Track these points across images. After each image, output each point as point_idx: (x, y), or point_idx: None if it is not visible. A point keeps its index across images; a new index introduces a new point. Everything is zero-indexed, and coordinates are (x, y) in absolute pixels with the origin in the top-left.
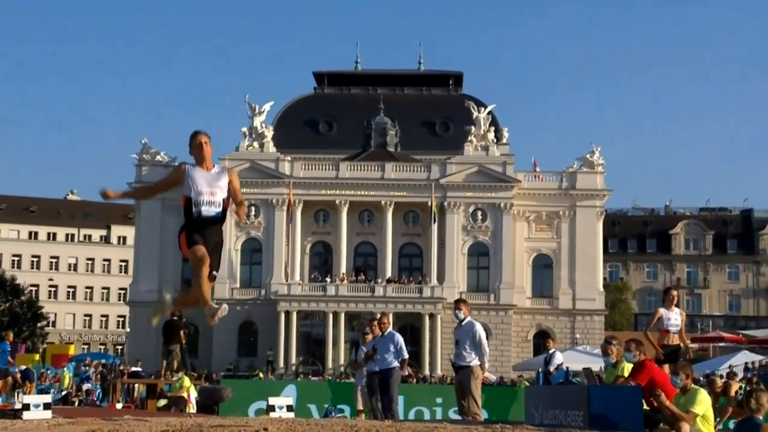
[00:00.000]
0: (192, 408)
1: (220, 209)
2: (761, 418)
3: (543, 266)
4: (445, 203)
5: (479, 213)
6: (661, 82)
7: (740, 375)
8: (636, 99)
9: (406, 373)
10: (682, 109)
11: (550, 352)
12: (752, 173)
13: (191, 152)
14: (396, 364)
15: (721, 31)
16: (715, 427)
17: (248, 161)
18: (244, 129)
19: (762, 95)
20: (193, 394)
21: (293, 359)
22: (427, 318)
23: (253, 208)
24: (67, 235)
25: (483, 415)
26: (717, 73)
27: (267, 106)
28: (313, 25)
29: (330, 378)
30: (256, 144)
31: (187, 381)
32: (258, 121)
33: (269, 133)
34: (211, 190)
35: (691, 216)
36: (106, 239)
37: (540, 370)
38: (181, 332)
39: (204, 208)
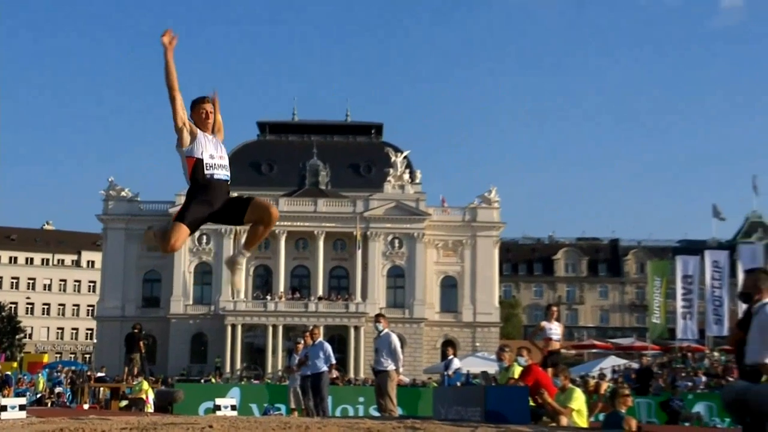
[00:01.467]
0: (150, 408)
1: (228, 173)
2: (624, 411)
3: (449, 286)
4: (368, 233)
5: (396, 241)
6: (546, 133)
7: (609, 376)
8: (527, 147)
9: (334, 376)
10: (563, 155)
11: (449, 358)
12: (619, 210)
13: (192, 116)
14: (325, 368)
15: (594, 87)
16: (587, 419)
17: None
18: None
19: (626, 144)
20: (151, 396)
21: (238, 365)
22: (352, 330)
23: (204, 237)
24: (42, 259)
25: (398, 411)
26: (590, 126)
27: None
28: (257, 82)
29: (269, 381)
30: None
31: (145, 384)
32: None
33: None
34: (220, 154)
35: (569, 244)
36: (76, 263)
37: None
38: (141, 343)
39: (217, 171)
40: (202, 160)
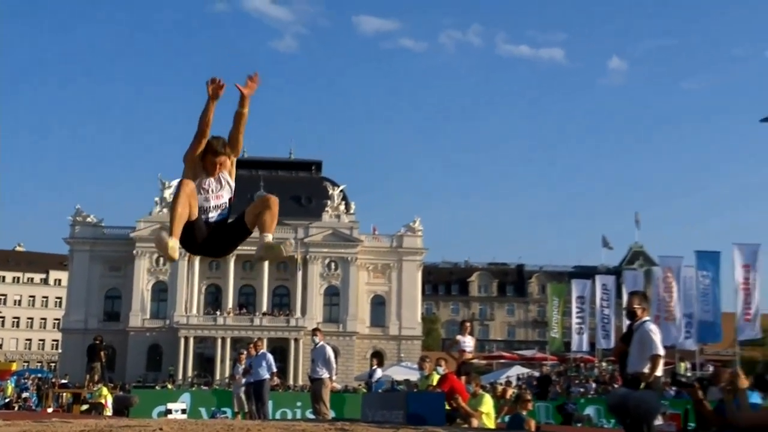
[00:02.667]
0: (108, 411)
1: (226, 211)
2: (525, 413)
3: (378, 303)
4: (308, 256)
5: (332, 264)
6: (463, 171)
7: (514, 383)
8: (447, 183)
9: (275, 383)
10: (477, 191)
11: (373, 368)
12: (524, 239)
13: (203, 155)
14: (267, 376)
15: (501, 134)
16: (495, 421)
17: (158, 223)
18: (156, 198)
19: (531, 182)
20: (110, 401)
21: (189, 373)
22: (292, 342)
23: (161, 260)
24: (13, 277)
25: (331, 414)
26: (499, 166)
27: (174, 182)
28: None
29: (217, 387)
30: (165, 210)
31: (105, 390)
32: (167, 193)
33: None
34: (218, 193)
35: (482, 268)
36: (44, 281)
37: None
38: (102, 353)
39: (211, 214)
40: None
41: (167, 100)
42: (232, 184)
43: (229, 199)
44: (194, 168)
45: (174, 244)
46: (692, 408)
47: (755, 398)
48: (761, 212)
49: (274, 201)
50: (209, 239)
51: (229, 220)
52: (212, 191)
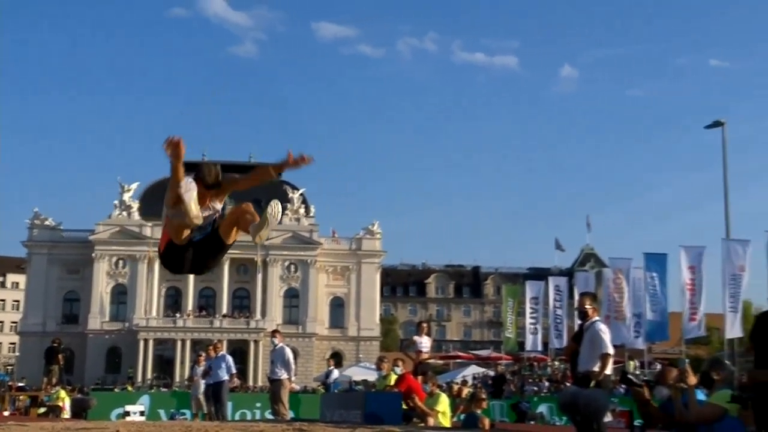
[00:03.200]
0: (66, 414)
1: (208, 227)
2: (480, 412)
3: (337, 305)
4: (267, 259)
5: (292, 266)
6: (420, 176)
7: (470, 382)
8: (405, 187)
9: (235, 385)
10: (435, 196)
11: (329, 369)
12: (480, 241)
13: (204, 177)
14: (226, 378)
15: (455, 140)
16: (451, 419)
17: (118, 226)
18: (116, 202)
19: (486, 187)
20: (67, 403)
21: (149, 375)
22: (252, 343)
23: (120, 262)
24: None
25: (289, 415)
26: (456, 171)
27: (134, 186)
28: (170, 125)
29: (177, 389)
30: (124, 213)
31: (62, 393)
32: (126, 196)
33: (135, 205)
34: (203, 215)
35: (439, 270)
36: (2, 284)
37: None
38: (60, 355)
39: (194, 234)
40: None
41: (125, 104)
42: (219, 207)
43: (212, 217)
44: (179, 200)
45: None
46: (637, 407)
47: (700, 395)
48: (706, 215)
49: (246, 204)
50: (192, 259)
51: (203, 237)
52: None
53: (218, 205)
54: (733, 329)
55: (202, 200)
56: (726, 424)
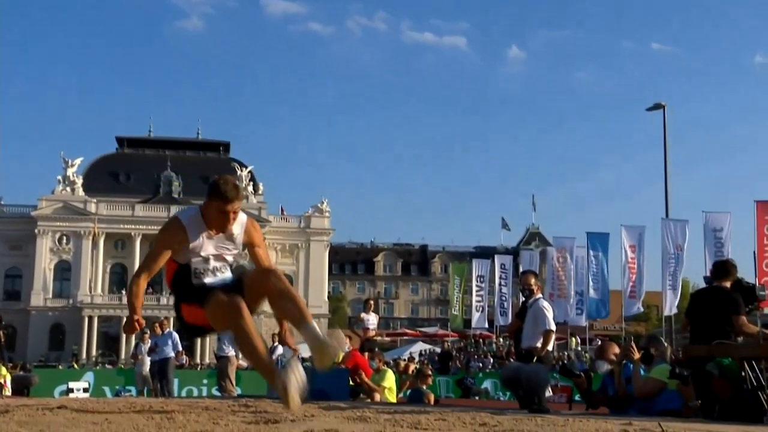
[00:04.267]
0: (8, 392)
1: (227, 271)
2: (425, 387)
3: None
4: None
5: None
6: (368, 155)
7: (417, 359)
8: (352, 165)
9: (181, 362)
10: (383, 174)
11: (274, 345)
12: (428, 221)
13: (206, 209)
14: (172, 355)
15: (402, 122)
16: (397, 395)
17: (62, 201)
18: (59, 177)
19: (433, 167)
20: (9, 381)
21: (94, 353)
22: None
23: (64, 238)
24: None
25: (236, 391)
26: (401, 151)
27: (78, 161)
28: (115, 98)
29: (122, 366)
30: (68, 189)
31: (3, 370)
32: (70, 172)
33: (79, 181)
34: (218, 252)
35: (387, 249)
36: None
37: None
38: (1, 332)
39: (209, 279)
40: (189, 267)
41: (70, 75)
42: (237, 233)
43: (232, 254)
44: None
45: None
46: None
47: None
48: (648, 196)
49: (278, 276)
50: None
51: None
52: (215, 250)
53: (236, 230)
54: (671, 307)
55: (222, 223)
56: (665, 397)
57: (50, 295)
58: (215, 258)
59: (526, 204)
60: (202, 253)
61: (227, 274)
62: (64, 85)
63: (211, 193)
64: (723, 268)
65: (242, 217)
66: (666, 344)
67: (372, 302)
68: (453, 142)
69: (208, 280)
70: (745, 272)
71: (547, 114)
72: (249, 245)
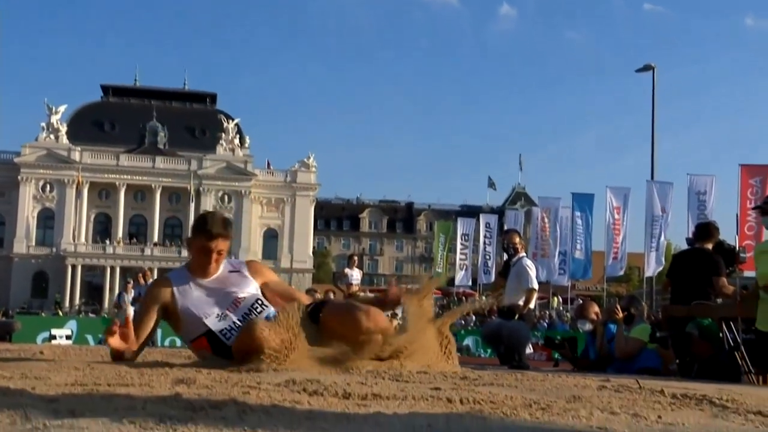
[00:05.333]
0: None
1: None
2: None
3: (271, 237)
4: (201, 189)
5: (226, 197)
6: (356, 110)
7: (399, 315)
8: (340, 121)
9: None
10: (370, 130)
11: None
12: (414, 178)
13: (189, 249)
14: None
15: (392, 76)
16: None
17: (45, 149)
18: (43, 124)
19: (421, 124)
20: None
21: (77, 301)
22: None
23: (48, 186)
24: None
25: None
26: (391, 106)
27: (62, 108)
28: (101, 45)
29: (105, 316)
30: (52, 136)
31: None
32: (54, 119)
33: (63, 129)
34: (229, 305)
35: (373, 205)
36: None
37: None
38: None
39: (235, 336)
40: (213, 334)
41: (55, 21)
42: (245, 277)
43: (256, 301)
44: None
45: None
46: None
47: (614, 330)
48: (635, 157)
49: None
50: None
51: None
52: (216, 300)
53: (226, 269)
54: (653, 268)
55: (202, 263)
56: (644, 356)
57: (33, 243)
58: (230, 305)
59: (514, 164)
60: (208, 308)
61: (265, 313)
62: (49, 31)
63: (195, 228)
64: (705, 230)
65: (235, 261)
66: (644, 304)
67: (356, 258)
68: (442, 99)
69: (226, 328)
70: (727, 235)
71: (537, 73)
72: (262, 285)
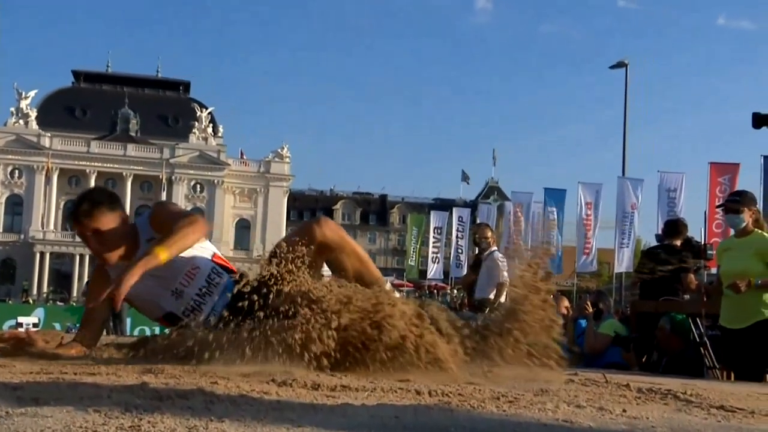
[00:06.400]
0: None
1: (218, 295)
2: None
3: (243, 227)
4: (173, 177)
5: (198, 186)
6: (331, 101)
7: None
8: (314, 111)
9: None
10: (345, 122)
11: None
12: (388, 170)
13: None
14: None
15: (372, 67)
16: None
17: (15, 134)
18: (12, 109)
19: (396, 117)
20: None
21: (45, 289)
22: None
23: (16, 172)
24: None
25: None
26: (365, 98)
27: (32, 93)
28: (73, 30)
29: (74, 304)
30: (21, 122)
31: None
32: (24, 104)
33: (33, 114)
34: (181, 279)
35: (347, 197)
36: None
37: None
38: None
39: (197, 313)
40: (170, 315)
41: (24, 4)
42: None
43: (197, 271)
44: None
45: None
46: None
47: (584, 324)
48: (607, 153)
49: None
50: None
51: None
52: (157, 281)
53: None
54: (623, 264)
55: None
56: (611, 351)
57: (1, 229)
58: (183, 280)
59: (488, 157)
60: (156, 290)
61: (222, 283)
62: (20, 15)
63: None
64: (674, 227)
65: (143, 224)
66: (610, 299)
67: None
68: (417, 92)
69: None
70: (696, 232)
71: (512, 68)
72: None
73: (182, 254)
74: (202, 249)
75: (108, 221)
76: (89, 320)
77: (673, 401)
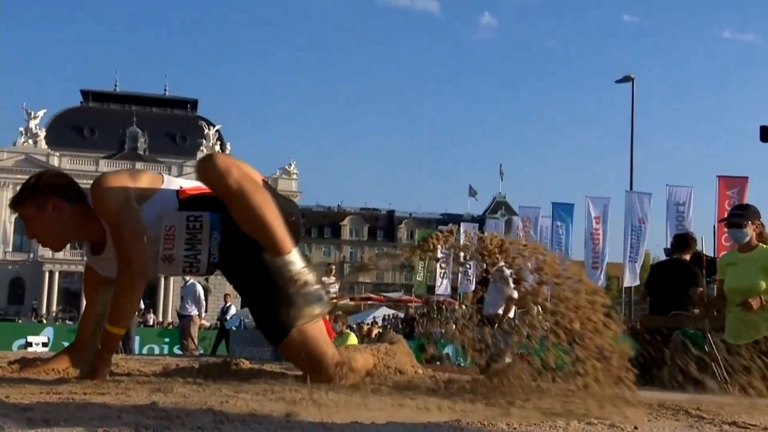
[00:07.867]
0: None
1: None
2: None
3: None
4: None
5: None
6: (338, 118)
7: (380, 323)
8: (322, 129)
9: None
10: (353, 139)
11: (227, 305)
12: (396, 186)
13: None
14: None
15: (374, 80)
16: None
17: (24, 154)
18: (21, 128)
19: (403, 133)
20: None
21: (54, 308)
22: (162, 279)
23: None
24: None
25: (198, 350)
26: (373, 115)
27: (41, 113)
28: (81, 50)
29: None
30: (30, 141)
31: None
32: (33, 124)
33: (42, 134)
34: (158, 253)
35: (354, 213)
36: None
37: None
38: None
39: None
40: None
41: (35, 23)
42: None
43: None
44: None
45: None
46: None
47: None
48: (614, 167)
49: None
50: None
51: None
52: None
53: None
54: (631, 278)
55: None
56: None
57: (10, 249)
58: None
59: (495, 172)
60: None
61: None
62: (28, 34)
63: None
64: (683, 241)
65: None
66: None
67: (333, 267)
68: (423, 108)
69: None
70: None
71: (518, 81)
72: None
73: (149, 219)
74: (163, 199)
75: (42, 208)
76: (86, 316)
77: (684, 417)
